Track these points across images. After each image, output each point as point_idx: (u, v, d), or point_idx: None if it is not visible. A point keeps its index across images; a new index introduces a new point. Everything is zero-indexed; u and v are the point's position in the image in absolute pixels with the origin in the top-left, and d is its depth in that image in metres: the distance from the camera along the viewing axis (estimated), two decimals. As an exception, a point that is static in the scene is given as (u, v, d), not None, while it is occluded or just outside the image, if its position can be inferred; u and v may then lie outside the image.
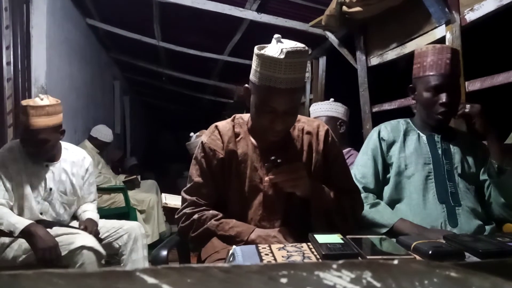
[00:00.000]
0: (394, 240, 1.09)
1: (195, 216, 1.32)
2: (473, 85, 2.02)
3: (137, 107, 9.80)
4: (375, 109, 3.12)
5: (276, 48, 1.16)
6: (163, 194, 2.52)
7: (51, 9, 3.33)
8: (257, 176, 1.33)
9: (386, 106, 3.02)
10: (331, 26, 3.04)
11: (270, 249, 0.99)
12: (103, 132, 4.21)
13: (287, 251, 0.98)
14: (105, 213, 3.61)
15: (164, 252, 1.30)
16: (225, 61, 5.22)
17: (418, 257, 0.94)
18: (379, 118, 3.13)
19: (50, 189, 2.03)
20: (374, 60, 3.04)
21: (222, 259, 1.19)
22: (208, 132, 1.40)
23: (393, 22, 2.77)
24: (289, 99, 1.21)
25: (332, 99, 2.43)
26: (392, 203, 1.55)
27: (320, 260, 0.92)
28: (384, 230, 1.44)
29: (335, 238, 1.01)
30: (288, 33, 3.41)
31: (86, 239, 1.86)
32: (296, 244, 1.05)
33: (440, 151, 1.55)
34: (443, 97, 1.47)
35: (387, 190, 1.57)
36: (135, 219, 3.91)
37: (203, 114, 10.18)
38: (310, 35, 3.59)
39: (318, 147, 1.38)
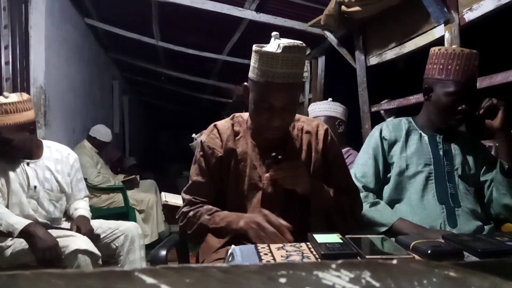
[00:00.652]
0: (393, 239, 1.09)
1: (190, 213, 1.32)
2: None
3: (136, 107, 9.79)
4: (374, 109, 3.12)
5: (274, 44, 1.17)
6: (162, 193, 2.53)
7: (49, 9, 3.32)
8: (256, 175, 1.33)
9: (385, 106, 3.02)
10: (330, 25, 3.04)
11: (269, 248, 0.99)
12: (102, 132, 4.20)
13: (286, 251, 0.98)
14: (104, 213, 3.62)
15: (163, 252, 1.30)
16: (224, 61, 5.22)
17: (417, 257, 0.94)
18: (378, 118, 3.14)
19: (35, 186, 2.01)
20: (373, 60, 3.04)
21: (221, 259, 1.19)
22: (207, 131, 1.41)
23: (392, 22, 2.77)
24: (286, 94, 1.21)
25: (330, 99, 2.43)
26: (392, 203, 1.55)
27: (319, 259, 0.92)
28: (383, 229, 1.44)
29: (334, 238, 1.01)
30: (287, 33, 3.40)
31: (80, 242, 1.85)
32: (295, 243, 1.05)
33: (441, 152, 1.55)
34: (465, 105, 1.45)
35: (387, 190, 1.57)
36: (134, 219, 3.91)
37: (202, 114, 10.18)
38: (309, 34, 3.59)
39: (317, 147, 1.38)
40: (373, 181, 1.57)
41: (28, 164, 2.02)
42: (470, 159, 1.55)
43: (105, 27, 4.76)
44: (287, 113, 1.25)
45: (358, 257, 0.92)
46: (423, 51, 2.13)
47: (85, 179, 3.78)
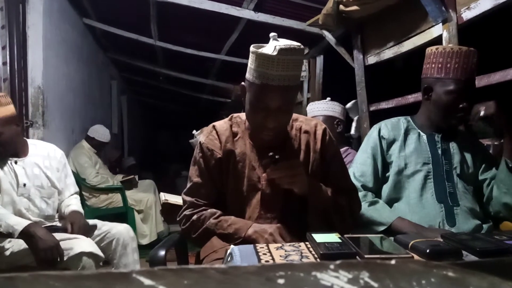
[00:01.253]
0: (392, 238, 1.09)
1: (194, 217, 1.32)
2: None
3: (134, 107, 9.78)
4: (372, 108, 3.12)
5: (271, 45, 1.17)
6: (161, 193, 2.52)
7: (47, 9, 3.32)
8: (255, 175, 1.33)
9: (384, 105, 3.02)
10: (328, 25, 3.04)
11: (268, 248, 0.99)
12: (101, 132, 4.20)
13: (285, 251, 0.98)
14: (102, 213, 3.62)
15: (162, 252, 1.29)
16: (222, 61, 5.21)
17: (416, 256, 0.94)
18: (377, 117, 3.13)
19: (24, 184, 1.99)
20: (371, 59, 3.05)
21: (220, 259, 1.19)
22: (206, 132, 1.40)
23: (390, 21, 2.77)
24: (282, 96, 1.20)
25: (328, 98, 2.43)
26: (390, 202, 1.55)
27: (318, 259, 0.92)
28: (382, 228, 1.44)
29: (333, 238, 1.01)
30: (285, 32, 3.41)
31: (84, 244, 1.84)
32: (294, 243, 1.05)
33: (440, 151, 1.55)
34: (466, 103, 1.45)
35: (386, 189, 1.57)
36: (133, 219, 3.91)
37: (201, 114, 10.17)
38: (307, 34, 3.59)
39: (315, 146, 1.38)
40: (371, 180, 1.58)
41: (16, 162, 2.00)
42: (468, 158, 1.55)
43: (103, 27, 4.75)
44: (282, 114, 1.25)
45: (357, 257, 0.92)
46: (421, 50, 2.13)
47: (84, 180, 3.82)
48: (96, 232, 2.08)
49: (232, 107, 6.66)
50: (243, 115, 1.42)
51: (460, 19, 2.10)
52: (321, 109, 2.38)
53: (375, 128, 1.66)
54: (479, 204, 1.52)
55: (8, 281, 0.27)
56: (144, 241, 3.93)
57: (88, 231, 1.97)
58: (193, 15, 3.78)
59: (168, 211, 2.21)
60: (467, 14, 2.05)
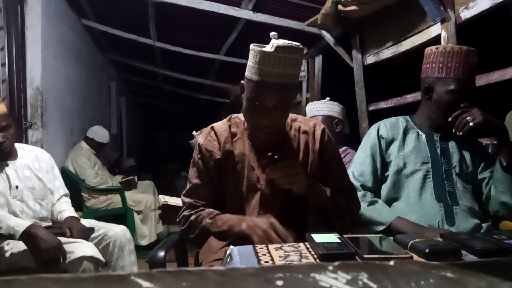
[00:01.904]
0: (391, 238, 1.09)
1: (192, 217, 1.32)
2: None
3: (133, 107, 9.77)
4: (371, 108, 3.12)
5: (270, 43, 1.17)
6: (160, 196, 2.51)
7: (46, 10, 3.31)
8: (254, 176, 1.33)
9: (382, 105, 3.02)
10: (327, 25, 3.04)
11: (267, 249, 0.99)
12: (99, 133, 4.20)
13: (285, 251, 0.97)
14: (102, 214, 3.62)
15: (162, 253, 1.29)
16: (221, 61, 5.21)
17: (415, 256, 0.94)
18: (375, 117, 3.14)
19: (17, 186, 1.99)
20: (370, 59, 3.05)
21: (219, 259, 1.19)
22: (205, 134, 1.40)
23: (388, 21, 2.78)
24: (278, 94, 1.20)
25: (328, 98, 2.43)
26: (389, 201, 1.55)
27: (317, 259, 0.92)
28: (381, 228, 1.44)
29: (332, 238, 1.01)
30: (284, 32, 3.41)
31: (85, 248, 1.84)
32: (293, 244, 1.05)
33: (439, 150, 1.55)
34: (467, 102, 1.45)
35: (385, 188, 1.57)
36: (132, 220, 3.91)
37: (200, 114, 10.17)
38: (306, 34, 3.59)
39: (314, 146, 1.37)
40: (371, 179, 1.58)
41: (7, 165, 2.00)
42: (467, 157, 1.55)
43: (101, 28, 4.75)
44: (278, 113, 1.24)
45: (357, 257, 0.92)
46: (420, 49, 2.13)
47: (83, 181, 3.81)
48: (93, 235, 2.08)
49: (231, 107, 6.66)
50: (242, 116, 1.42)
51: (458, 18, 2.10)
52: (320, 109, 2.37)
53: (374, 127, 1.66)
54: (478, 203, 1.52)
55: (6, 284, 0.27)
56: (144, 242, 3.93)
57: (86, 236, 1.97)
58: (191, 16, 3.78)
59: (167, 212, 2.20)
60: (465, 14, 2.05)
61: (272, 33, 1.20)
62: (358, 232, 1.22)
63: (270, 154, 1.19)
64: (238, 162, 1.34)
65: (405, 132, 1.60)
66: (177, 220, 1.39)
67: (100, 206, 3.94)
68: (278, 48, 1.14)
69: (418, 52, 2.16)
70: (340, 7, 2.76)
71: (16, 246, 1.86)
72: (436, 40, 2.26)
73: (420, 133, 1.60)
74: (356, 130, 3.16)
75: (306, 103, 3.59)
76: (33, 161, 2.11)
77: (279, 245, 1.03)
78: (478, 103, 1.45)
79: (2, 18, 2.92)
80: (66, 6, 4.03)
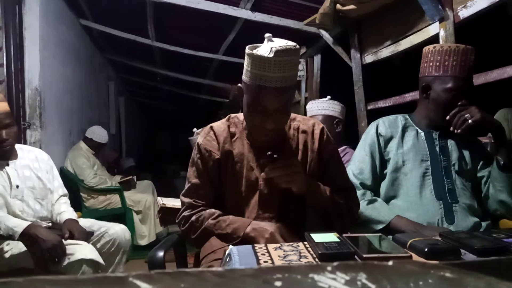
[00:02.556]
0: (391, 237, 1.09)
1: (193, 218, 1.32)
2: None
3: (132, 107, 9.76)
4: (370, 107, 3.12)
5: (267, 47, 1.16)
6: (158, 198, 2.51)
7: (44, 10, 3.31)
8: (253, 175, 1.33)
9: (381, 104, 3.02)
10: (325, 24, 3.05)
11: (267, 248, 0.99)
12: (98, 133, 4.19)
13: (284, 251, 0.97)
14: (101, 214, 3.62)
15: (161, 253, 1.29)
16: (220, 60, 5.21)
17: (414, 255, 0.94)
18: (374, 116, 3.14)
19: (17, 186, 1.99)
20: (369, 58, 3.05)
21: (219, 259, 1.18)
22: (204, 133, 1.40)
23: (387, 20, 2.78)
24: (280, 97, 1.20)
25: (329, 97, 2.41)
26: (388, 199, 1.55)
27: (316, 259, 0.92)
28: (380, 227, 1.45)
29: (331, 237, 1.01)
30: (283, 32, 3.41)
31: (86, 251, 1.83)
32: (292, 243, 1.05)
33: (438, 148, 1.55)
34: (464, 100, 1.45)
35: (384, 186, 1.57)
36: (131, 220, 3.91)
37: (199, 114, 10.17)
38: (305, 33, 3.60)
39: (313, 146, 1.37)
40: (370, 177, 1.58)
41: (7, 164, 2.00)
42: (466, 154, 1.55)
43: (100, 28, 4.74)
44: (280, 115, 1.25)
45: (356, 256, 0.92)
46: (419, 49, 2.13)
47: (82, 181, 3.81)
48: (95, 229, 2.09)
49: (230, 107, 6.66)
50: (240, 115, 1.41)
51: (456, 17, 2.10)
52: (320, 108, 2.36)
53: (372, 125, 1.66)
54: (477, 201, 1.52)
55: (3, 286, 0.27)
56: (143, 242, 3.93)
57: (85, 239, 1.97)
58: (190, 15, 3.78)
59: (165, 215, 2.19)
60: (464, 13, 2.05)
61: (267, 35, 1.20)
62: (358, 231, 1.22)
63: (269, 153, 1.19)
64: (237, 162, 1.34)
65: (404, 130, 1.60)
66: (177, 221, 1.39)
67: (99, 206, 3.93)
68: (277, 52, 1.13)
69: (416, 51, 2.16)
70: (338, 6, 2.76)
71: (16, 247, 1.85)
72: (434, 39, 2.26)
73: (419, 131, 1.60)
74: (354, 129, 3.16)
75: (305, 103, 3.59)
76: (33, 161, 2.11)
77: (278, 245, 1.03)
78: (476, 101, 1.45)
79: (0, 18, 2.91)
80: (65, 6, 4.02)
